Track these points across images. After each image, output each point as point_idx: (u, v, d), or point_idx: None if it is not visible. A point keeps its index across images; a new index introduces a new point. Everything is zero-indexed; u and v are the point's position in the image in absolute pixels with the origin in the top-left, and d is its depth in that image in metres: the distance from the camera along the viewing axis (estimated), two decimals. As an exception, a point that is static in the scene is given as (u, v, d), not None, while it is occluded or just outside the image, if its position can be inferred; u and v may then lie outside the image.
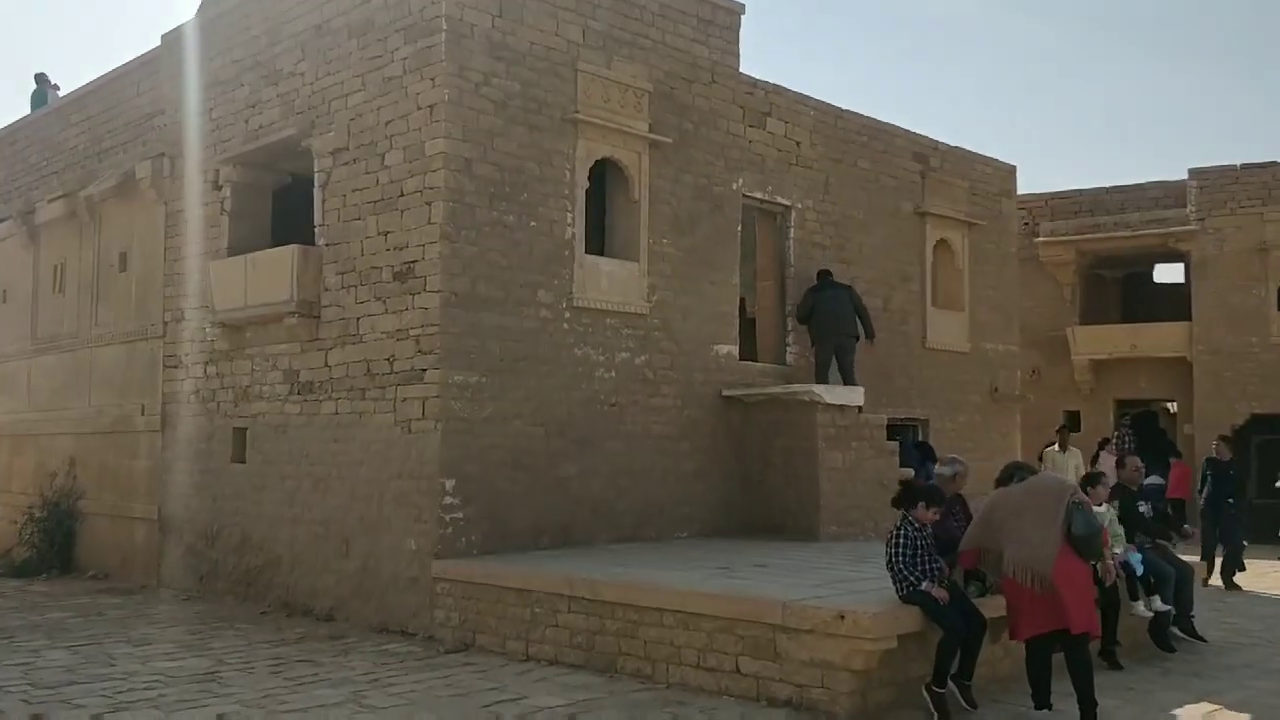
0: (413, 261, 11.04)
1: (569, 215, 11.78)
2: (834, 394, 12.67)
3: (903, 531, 7.90)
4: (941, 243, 16.52)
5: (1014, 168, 18.23)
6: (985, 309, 17.34)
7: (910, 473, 13.79)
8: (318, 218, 12.25)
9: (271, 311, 12.41)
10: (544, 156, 11.59)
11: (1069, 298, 23.82)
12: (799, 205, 14.36)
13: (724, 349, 13.33)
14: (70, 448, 16.43)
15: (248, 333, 13.15)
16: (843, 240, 14.95)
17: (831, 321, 13.84)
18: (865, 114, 15.53)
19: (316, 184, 12.25)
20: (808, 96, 14.62)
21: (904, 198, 15.99)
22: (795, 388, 12.96)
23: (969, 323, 16.95)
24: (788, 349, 14.27)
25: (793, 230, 14.32)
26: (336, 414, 11.85)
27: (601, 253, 12.34)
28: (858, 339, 14.04)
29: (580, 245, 11.89)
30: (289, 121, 12.62)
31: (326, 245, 12.12)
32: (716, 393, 13.17)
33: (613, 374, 12.13)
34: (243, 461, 13.11)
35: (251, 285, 12.68)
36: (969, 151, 17.30)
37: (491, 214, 11.13)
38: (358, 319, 11.67)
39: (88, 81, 16.82)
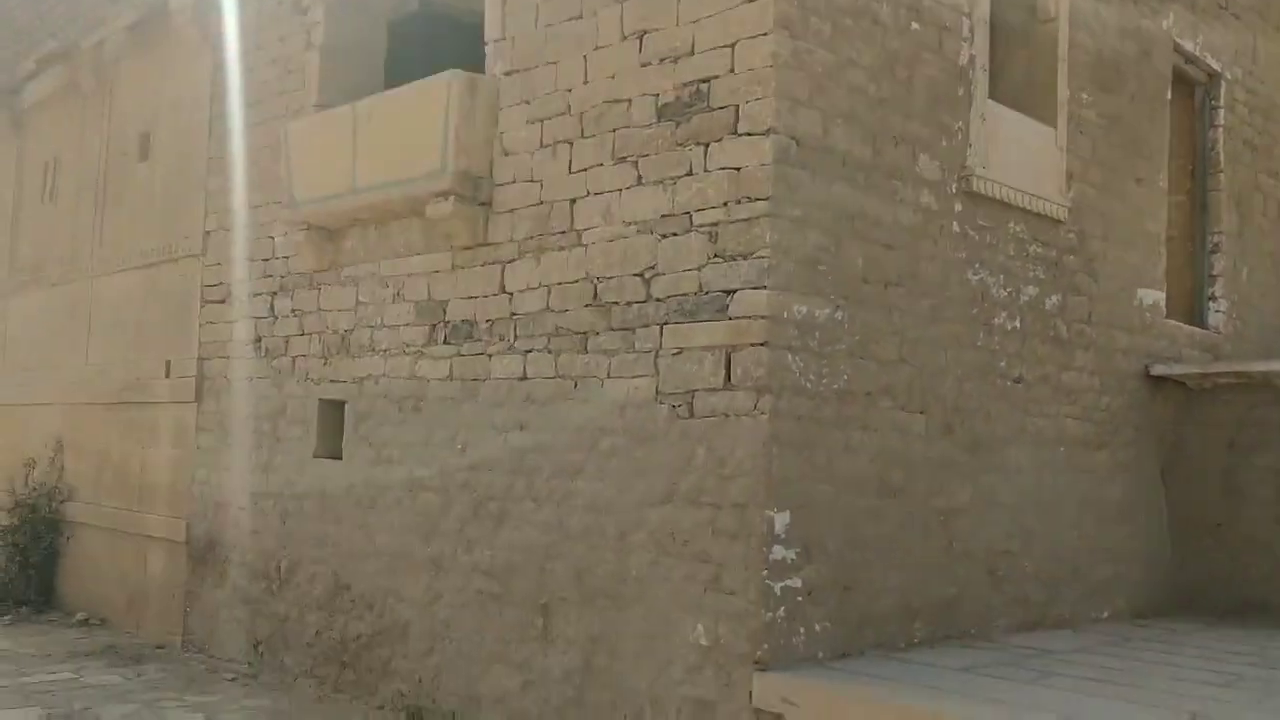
0: (708, 79, 5.64)
1: (964, 20, 6.39)
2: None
3: None
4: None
5: None
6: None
7: None
8: (491, 27, 6.88)
9: (401, 196, 7.04)
10: (936, -95, 6.19)
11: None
12: (1228, 74, 8.91)
13: (1150, 296, 7.91)
14: (58, 425, 11.12)
15: (351, 239, 7.80)
16: (1271, 140, 9.49)
17: None
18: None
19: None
20: (1232, -96, 9.18)
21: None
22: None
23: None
24: (1211, 306, 8.80)
25: (1222, 114, 8.86)
26: (524, 379, 6.46)
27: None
28: None
29: (983, 80, 6.49)
30: None
31: (507, 74, 6.74)
32: (1141, 369, 7.76)
33: (1017, 323, 6.73)
34: (338, 456, 7.74)
35: (364, 155, 7.32)
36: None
37: (859, -7, 5.75)
38: (572, 203, 6.28)
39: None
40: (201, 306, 9.26)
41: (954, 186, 6.29)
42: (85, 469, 10.66)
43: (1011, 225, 6.68)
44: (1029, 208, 6.74)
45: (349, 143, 7.40)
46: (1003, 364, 6.59)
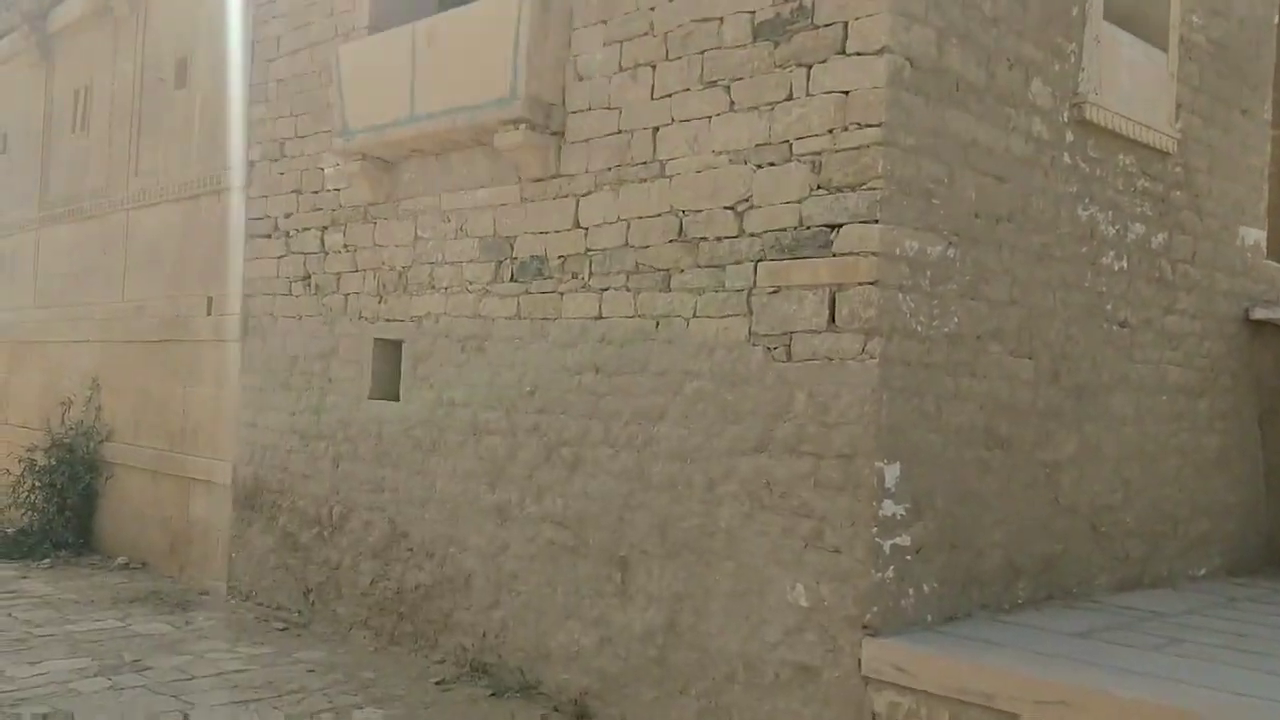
0: (812, -5, 5.20)
1: (1084, -65, 5.92)
2: None
3: None
4: None
5: None
6: None
7: None
8: (565, -58, 6.41)
9: (465, 125, 6.61)
10: None
11: None
12: (1331, 0, 8.38)
13: (1251, 235, 7.48)
14: (93, 362, 10.81)
15: (408, 171, 7.39)
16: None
17: None
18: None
19: (566, -125, 6.38)
20: None
21: None
22: None
23: None
24: (1306, 245, 8.36)
25: (1324, 41, 8.35)
26: (600, 318, 6.08)
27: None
28: None
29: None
30: None
31: (583, -7, 6.30)
32: (1241, 313, 7.34)
33: (1124, 263, 6.31)
34: (395, 398, 7.40)
35: (425, 80, 6.88)
36: None
37: (981, -101, 5.27)
38: (655, 131, 5.86)
39: None
40: (245, 241, 8.88)
41: (1065, 114, 5.85)
42: (123, 408, 10.37)
43: (1121, 157, 6.24)
44: (1138, 139, 6.29)
45: (408, 67, 6.96)
46: (1109, 307, 6.18)
